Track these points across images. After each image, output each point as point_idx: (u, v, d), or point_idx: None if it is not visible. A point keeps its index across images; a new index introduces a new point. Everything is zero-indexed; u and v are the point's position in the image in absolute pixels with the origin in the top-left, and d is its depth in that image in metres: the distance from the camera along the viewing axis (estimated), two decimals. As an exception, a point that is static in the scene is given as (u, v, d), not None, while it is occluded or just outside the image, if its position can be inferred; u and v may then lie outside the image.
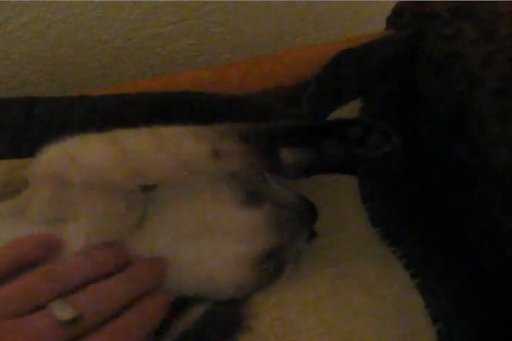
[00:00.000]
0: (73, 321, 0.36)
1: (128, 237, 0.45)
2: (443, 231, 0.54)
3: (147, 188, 0.47)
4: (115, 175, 0.43)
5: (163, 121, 0.44)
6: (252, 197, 0.46)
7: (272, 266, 0.46)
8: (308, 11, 0.86)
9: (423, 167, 0.57)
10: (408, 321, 0.46)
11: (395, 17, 0.61)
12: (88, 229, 0.43)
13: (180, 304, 0.46)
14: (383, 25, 0.63)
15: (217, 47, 0.86)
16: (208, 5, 0.81)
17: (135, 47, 0.80)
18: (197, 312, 0.45)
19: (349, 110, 0.54)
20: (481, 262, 0.52)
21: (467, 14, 0.56)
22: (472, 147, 0.52)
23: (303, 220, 0.47)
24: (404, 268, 0.49)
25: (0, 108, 0.49)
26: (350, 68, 0.54)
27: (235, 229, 0.45)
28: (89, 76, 0.79)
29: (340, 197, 0.54)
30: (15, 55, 0.75)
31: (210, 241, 0.45)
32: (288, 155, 0.43)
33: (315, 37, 0.90)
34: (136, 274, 0.42)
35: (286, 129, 0.43)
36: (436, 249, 0.52)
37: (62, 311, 0.36)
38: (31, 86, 0.77)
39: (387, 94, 0.57)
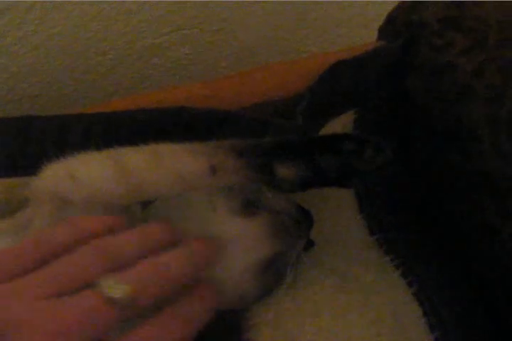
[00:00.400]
0: (126, 299, 0.32)
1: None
2: (441, 239, 0.55)
3: (145, 204, 0.48)
4: (114, 192, 0.43)
5: (160, 137, 0.45)
6: (249, 206, 0.47)
7: (274, 274, 0.46)
8: (304, 19, 0.87)
9: (419, 175, 0.57)
10: (405, 329, 0.47)
11: (388, 26, 0.62)
12: None
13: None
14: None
15: (213, 56, 0.87)
16: (202, 14, 0.82)
17: (131, 59, 0.81)
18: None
19: (342, 122, 0.55)
20: (480, 270, 0.52)
21: (457, 24, 0.56)
22: (465, 155, 0.53)
23: (300, 226, 0.47)
24: (402, 277, 0.50)
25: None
26: (344, 80, 0.55)
27: (235, 238, 0.45)
28: (87, 87, 0.80)
29: (335, 206, 0.55)
30: (13, 68, 0.76)
31: None
32: (283, 170, 0.44)
33: (310, 44, 0.91)
34: (193, 251, 0.39)
35: (281, 144, 0.44)
36: (434, 257, 0.53)
37: (114, 288, 0.32)
38: (29, 99, 0.78)
39: (380, 105, 0.58)
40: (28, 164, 0.46)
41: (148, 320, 0.34)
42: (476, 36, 0.55)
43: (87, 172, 0.44)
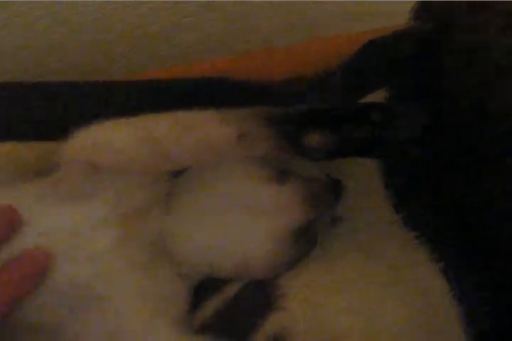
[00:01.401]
0: None
1: (157, 217, 0.47)
2: (467, 218, 0.54)
3: (178, 172, 0.49)
4: (141, 159, 0.44)
5: (187, 106, 0.45)
6: (282, 174, 0.47)
7: (305, 241, 0.47)
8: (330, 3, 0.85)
9: (447, 155, 0.57)
10: (432, 303, 0.47)
11: (420, 8, 0.62)
12: (114, 202, 0.45)
13: (212, 284, 0.47)
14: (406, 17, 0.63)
15: (234, 39, 0.85)
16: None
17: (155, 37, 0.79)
18: (229, 292, 0.47)
19: (374, 99, 0.55)
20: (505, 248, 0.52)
21: (489, 5, 0.56)
22: (498, 135, 0.53)
23: (331, 194, 0.48)
24: (428, 253, 0.50)
25: (29, 91, 0.51)
26: (376, 58, 0.55)
27: (267, 205, 0.46)
28: (110, 65, 0.79)
29: (363, 180, 0.55)
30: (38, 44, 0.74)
31: (243, 219, 0.46)
32: (312, 139, 0.44)
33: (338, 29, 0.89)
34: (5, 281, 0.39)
35: (309, 112, 0.44)
36: (460, 234, 0.52)
37: None
38: (54, 75, 0.77)
39: (412, 85, 0.57)
40: (59, 130, 0.47)
41: None
42: (509, 17, 0.54)
43: (114, 139, 0.45)
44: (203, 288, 0.47)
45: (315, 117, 0.44)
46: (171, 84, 0.49)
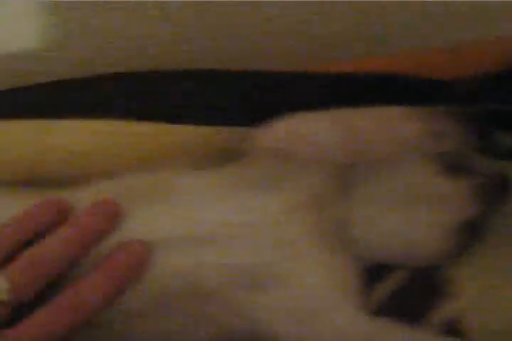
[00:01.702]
0: (6, 297, 0.34)
1: (337, 204, 0.49)
2: None
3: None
4: (340, 151, 0.47)
5: (376, 101, 0.48)
6: (456, 168, 0.49)
7: (475, 233, 0.49)
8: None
9: None
10: None
11: None
12: (301, 190, 0.48)
13: (383, 269, 0.50)
14: None
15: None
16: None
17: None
18: (400, 277, 0.49)
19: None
20: None
21: None
22: None
23: (504, 190, 0.49)
24: None
25: (229, 78, 0.53)
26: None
27: (440, 198, 0.48)
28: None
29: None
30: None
31: (413, 210, 0.48)
32: (501, 137, 0.46)
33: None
34: (81, 224, 0.39)
35: (502, 112, 0.46)
36: None
37: None
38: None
39: None
40: (249, 117, 0.49)
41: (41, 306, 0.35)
42: None
43: (313, 130, 0.47)
44: (375, 272, 0.50)
45: (506, 116, 0.46)
46: (352, 78, 0.52)
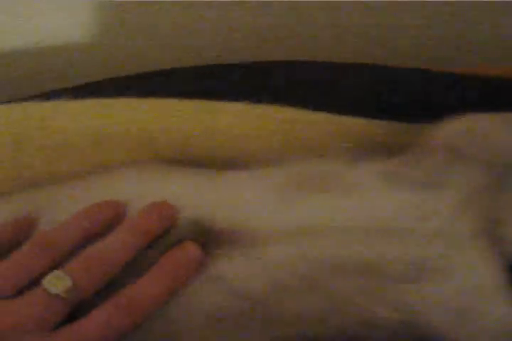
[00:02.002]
0: (69, 292, 0.34)
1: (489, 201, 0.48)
2: None
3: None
4: (509, 154, 0.46)
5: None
6: None
7: None
8: None
9: None
10: None
11: None
12: (458, 198, 0.47)
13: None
14: None
15: None
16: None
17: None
18: None
19: None
20: None
21: None
22: None
23: None
24: None
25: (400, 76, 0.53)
26: None
27: None
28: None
29: None
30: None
31: None
32: None
33: None
34: (135, 226, 0.39)
35: None
36: None
37: (55, 284, 0.34)
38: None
39: None
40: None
41: (102, 301, 0.35)
42: None
43: (487, 131, 0.47)
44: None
45: None
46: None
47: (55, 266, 0.36)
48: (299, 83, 0.52)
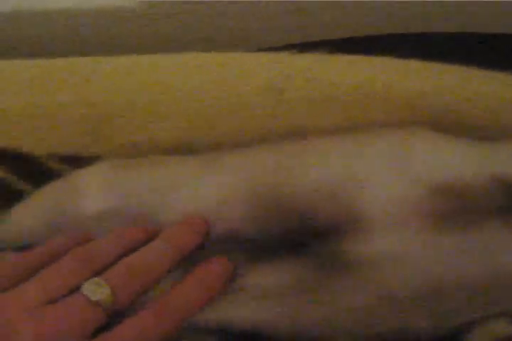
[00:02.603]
0: (107, 300, 0.35)
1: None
2: None
3: None
4: None
5: None
6: None
7: None
8: None
9: None
10: None
11: None
12: None
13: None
14: None
15: None
16: None
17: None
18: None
19: None
20: None
21: None
22: None
23: None
24: None
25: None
26: None
27: None
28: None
29: None
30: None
31: None
32: None
33: None
34: (170, 239, 0.40)
35: None
36: None
37: (95, 291, 0.35)
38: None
39: None
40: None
41: (139, 310, 0.35)
42: None
43: None
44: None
45: None
46: None
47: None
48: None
